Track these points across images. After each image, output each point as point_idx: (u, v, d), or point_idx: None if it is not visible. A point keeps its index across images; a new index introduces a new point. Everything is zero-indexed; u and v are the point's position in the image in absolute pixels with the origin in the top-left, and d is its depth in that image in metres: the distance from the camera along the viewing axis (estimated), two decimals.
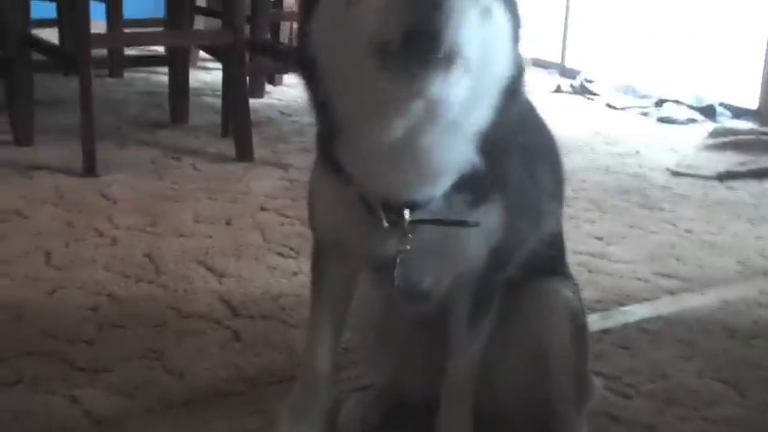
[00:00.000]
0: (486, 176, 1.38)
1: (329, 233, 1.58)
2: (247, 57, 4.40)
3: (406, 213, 1.40)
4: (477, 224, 1.43)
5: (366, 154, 1.35)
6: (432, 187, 1.38)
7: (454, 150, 1.33)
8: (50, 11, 5.31)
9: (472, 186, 1.40)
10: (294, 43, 1.37)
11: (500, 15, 1.31)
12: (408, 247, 1.42)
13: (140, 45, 4.42)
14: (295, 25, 5.86)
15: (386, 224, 1.41)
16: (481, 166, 1.36)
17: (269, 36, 5.07)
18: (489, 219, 1.46)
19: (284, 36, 5.44)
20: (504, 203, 1.48)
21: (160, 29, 5.15)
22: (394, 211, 1.40)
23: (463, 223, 1.42)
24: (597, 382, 1.92)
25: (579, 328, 1.75)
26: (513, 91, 1.35)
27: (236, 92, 3.88)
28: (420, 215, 1.40)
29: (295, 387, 1.73)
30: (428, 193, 1.38)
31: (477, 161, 1.35)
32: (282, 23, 5.40)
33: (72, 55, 3.68)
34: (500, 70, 1.32)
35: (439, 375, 1.70)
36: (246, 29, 4.60)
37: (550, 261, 1.76)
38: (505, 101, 1.34)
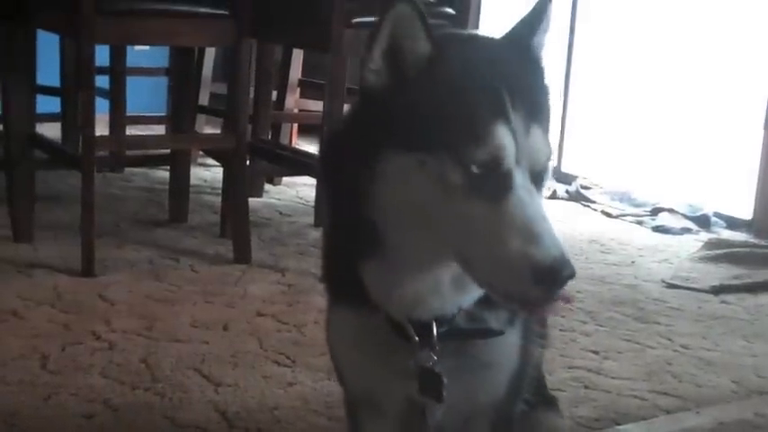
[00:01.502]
0: None
1: (358, 378, 1.55)
2: (248, 158, 4.46)
3: (434, 326, 1.39)
4: (502, 332, 1.43)
5: (405, 273, 1.35)
6: (459, 301, 1.39)
7: None
8: (54, 105, 5.36)
9: (492, 305, 1.41)
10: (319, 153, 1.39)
11: None
12: (436, 358, 1.40)
13: (144, 148, 4.47)
14: (295, 128, 5.95)
15: (416, 338, 1.39)
16: None
17: (269, 137, 5.12)
18: (512, 340, 1.46)
19: (284, 137, 5.49)
20: (522, 327, 1.49)
21: (162, 127, 5.22)
22: (421, 326, 1.40)
23: (490, 332, 1.43)
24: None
25: None
26: None
27: (237, 194, 3.92)
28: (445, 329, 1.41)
29: None
30: (454, 307, 1.40)
31: None
32: (284, 125, 5.46)
33: (76, 156, 3.72)
34: None
35: None
36: (247, 129, 4.67)
37: (538, 384, 1.76)
38: None
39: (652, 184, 5.73)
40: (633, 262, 4.36)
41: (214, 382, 2.65)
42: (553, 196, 5.74)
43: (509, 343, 1.47)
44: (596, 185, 5.82)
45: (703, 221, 5.15)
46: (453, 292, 1.38)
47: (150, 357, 2.79)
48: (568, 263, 1.21)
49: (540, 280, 1.20)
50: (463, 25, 4.10)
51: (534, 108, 1.26)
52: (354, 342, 1.48)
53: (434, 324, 1.39)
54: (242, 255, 3.81)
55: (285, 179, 5.34)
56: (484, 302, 1.41)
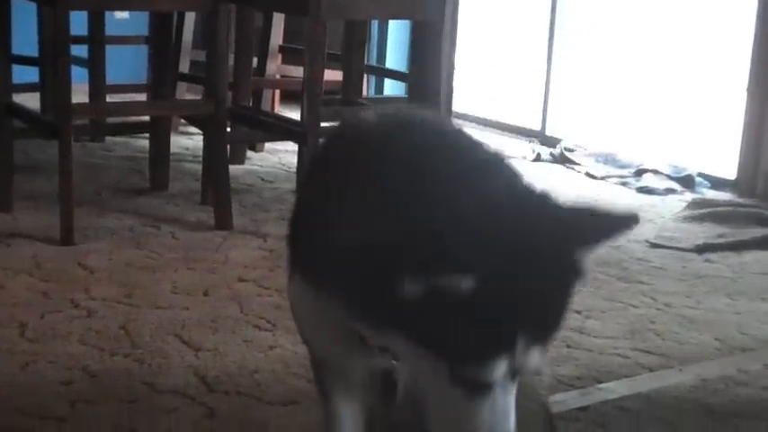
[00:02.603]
0: None
1: (321, 346, 1.54)
2: (229, 124, 4.42)
3: None
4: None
5: None
6: None
7: None
8: (33, 75, 5.31)
9: None
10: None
11: None
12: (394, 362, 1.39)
13: (123, 115, 4.42)
14: (278, 94, 5.90)
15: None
16: None
17: (251, 103, 5.08)
18: None
19: (266, 104, 5.45)
20: None
21: (143, 96, 5.18)
22: None
23: None
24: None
25: None
26: None
27: (217, 161, 3.89)
28: None
29: None
30: None
31: None
32: (265, 91, 5.42)
33: (54, 125, 3.68)
34: None
35: None
36: (228, 96, 4.63)
37: None
38: None
39: (636, 145, 5.72)
40: None
41: (194, 347, 2.63)
42: (537, 159, 5.72)
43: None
44: (580, 148, 5.80)
45: (687, 182, 5.14)
46: None
47: (130, 324, 2.77)
48: None
49: None
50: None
51: (547, 332, 1.23)
52: (315, 312, 1.44)
53: None
54: (223, 221, 3.79)
55: (267, 145, 5.30)
56: None
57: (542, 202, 1.26)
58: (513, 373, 1.23)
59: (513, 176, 1.30)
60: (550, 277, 1.21)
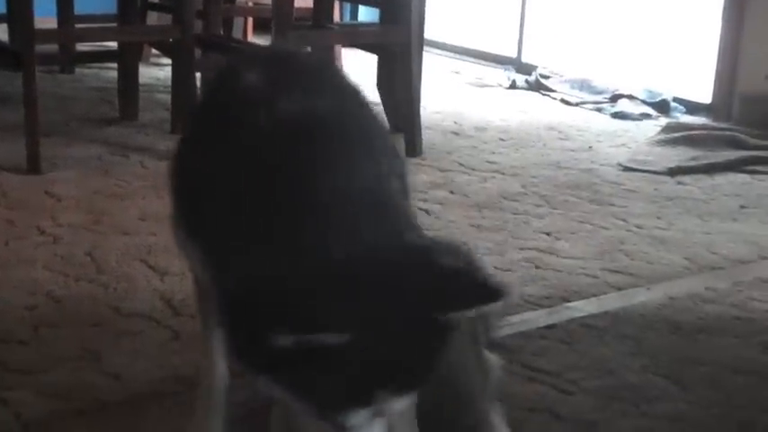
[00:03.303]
0: None
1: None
2: (199, 53, 4.36)
3: None
4: None
5: None
6: None
7: None
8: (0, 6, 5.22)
9: None
10: None
11: None
12: None
13: (86, 41, 4.36)
14: (250, 23, 5.82)
15: None
16: None
17: (221, 32, 5.01)
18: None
19: (237, 31, 5.38)
20: None
21: (111, 25, 5.09)
22: None
23: None
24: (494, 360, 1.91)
25: None
26: None
27: (186, 87, 3.84)
28: None
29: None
30: None
31: None
32: (236, 19, 5.35)
33: (17, 51, 3.62)
34: None
35: None
36: (198, 24, 4.56)
37: None
38: None
39: (611, 71, 5.69)
40: (590, 147, 4.34)
41: (160, 271, 2.61)
42: (513, 86, 5.69)
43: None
44: (556, 74, 5.77)
45: (663, 107, 5.13)
46: None
47: (96, 250, 2.75)
48: None
49: None
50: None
51: (411, 386, 1.24)
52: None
53: None
54: None
55: None
56: None
57: (417, 258, 1.25)
58: (380, 413, 1.23)
59: (393, 211, 1.33)
60: (414, 338, 1.20)
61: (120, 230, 2.92)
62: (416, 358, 1.23)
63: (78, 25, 5.00)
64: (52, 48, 4.90)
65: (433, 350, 1.24)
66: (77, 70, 5.29)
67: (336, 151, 1.36)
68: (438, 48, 6.64)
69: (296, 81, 1.45)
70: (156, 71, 5.40)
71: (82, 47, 5.22)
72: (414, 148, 3.96)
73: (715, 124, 4.75)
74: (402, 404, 1.25)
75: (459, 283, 1.21)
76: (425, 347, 1.23)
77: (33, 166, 3.44)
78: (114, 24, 4.64)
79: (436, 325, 1.21)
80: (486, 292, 1.20)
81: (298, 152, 1.33)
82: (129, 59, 4.31)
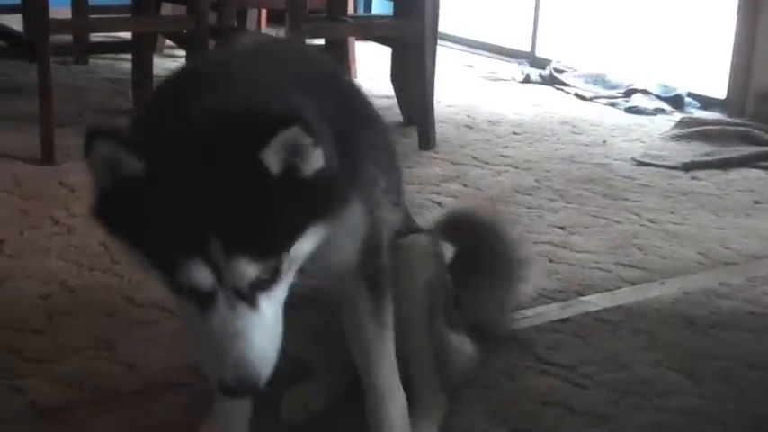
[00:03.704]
0: (340, 180, 1.38)
1: None
2: (212, 44, 4.36)
3: None
4: None
5: None
6: None
7: None
8: None
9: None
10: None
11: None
12: None
13: (100, 31, 4.36)
14: (264, 14, 5.82)
15: None
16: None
17: (235, 23, 5.02)
18: (353, 216, 1.48)
19: (251, 23, 5.38)
20: (362, 198, 1.50)
21: (126, 16, 5.10)
22: None
23: None
24: (470, 350, 1.92)
25: (433, 277, 1.79)
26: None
27: None
28: None
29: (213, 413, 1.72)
30: None
31: None
32: (249, 10, 5.35)
33: (32, 41, 3.63)
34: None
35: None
36: (212, 16, 4.57)
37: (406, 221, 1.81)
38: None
39: (626, 66, 5.67)
40: (605, 142, 4.33)
41: None
42: (526, 80, 5.68)
43: (353, 213, 1.48)
44: (570, 69, 5.75)
45: (677, 102, 5.11)
46: None
47: (109, 240, 2.74)
48: (246, 382, 1.26)
49: (223, 392, 1.30)
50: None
51: (239, 234, 1.24)
52: None
53: None
54: None
55: None
56: None
57: (242, 109, 1.29)
58: (243, 289, 1.26)
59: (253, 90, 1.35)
60: (228, 177, 1.23)
61: None
62: (234, 201, 1.23)
63: (92, 16, 5.02)
64: (66, 38, 4.92)
65: (252, 192, 1.24)
66: (91, 61, 5.30)
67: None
68: (452, 41, 6.62)
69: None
70: (170, 63, 5.40)
71: (96, 37, 5.24)
72: (427, 141, 3.96)
73: (729, 119, 4.73)
74: (243, 272, 1.24)
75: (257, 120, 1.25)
76: (241, 188, 1.24)
77: (47, 156, 3.45)
78: (128, 15, 4.65)
79: (249, 165, 1.23)
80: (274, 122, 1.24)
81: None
82: (143, 50, 4.31)
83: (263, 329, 1.28)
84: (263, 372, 1.28)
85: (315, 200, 1.31)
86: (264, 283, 1.28)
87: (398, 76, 4.36)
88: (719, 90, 5.15)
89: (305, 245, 1.32)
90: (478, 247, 2.17)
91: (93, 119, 4.15)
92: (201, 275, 1.24)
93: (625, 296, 2.57)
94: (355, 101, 1.60)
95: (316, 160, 1.29)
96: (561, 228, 3.09)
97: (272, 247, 1.27)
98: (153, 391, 1.94)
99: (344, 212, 1.41)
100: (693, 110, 5.06)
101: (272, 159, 1.24)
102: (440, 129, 4.14)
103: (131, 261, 1.33)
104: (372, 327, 1.62)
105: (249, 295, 1.27)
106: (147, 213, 1.24)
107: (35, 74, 3.54)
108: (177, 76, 1.50)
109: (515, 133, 4.41)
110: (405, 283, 1.72)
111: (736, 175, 3.86)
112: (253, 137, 1.23)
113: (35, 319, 2.22)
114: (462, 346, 1.91)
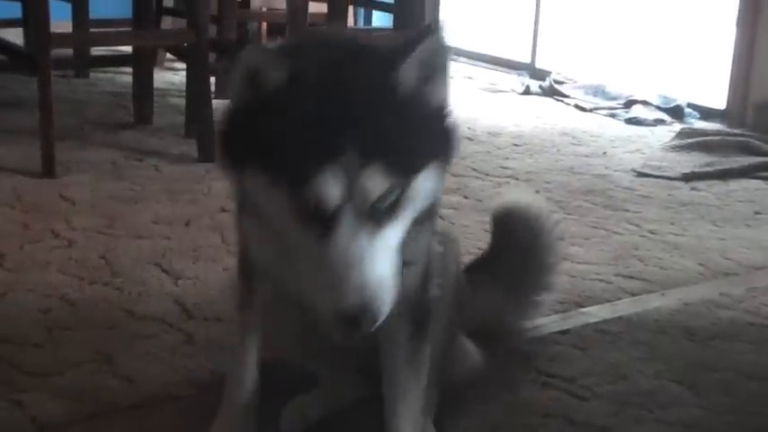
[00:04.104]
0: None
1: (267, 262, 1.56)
2: (213, 57, 4.37)
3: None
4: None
5: None
6: None
7: None
8: (16, 10, 5.24)
9: None
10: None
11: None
12: None
13: (101, 45, 4.37)
14: (264, 27, 5.83)
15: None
16: None
17: (235, 36, 5.03)
18: (422, 237, 1.49)
19: (252, 36, 5.39)
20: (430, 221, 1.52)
21: (126, 29, 5.11)
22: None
23: None
24: (475, 352, 1.94)
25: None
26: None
27: (200, 91, 3.85)
28: None
29: (221, 414, 1.74)
30: None
31: None
32: (250, 23, 5.36)
33: (32, 55, 3.64)
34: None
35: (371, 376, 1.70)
36: (213, 29, 4.58)
37: None
38: None
39: (626, 77, 5.68)
40: (605, 153, 4.33)
41: (174, 275, 2.62)
42: (526, 92, 5.69)
43: (421, 241, 1.50)
44: (570, 80, 5.76)
45: (677, 112, 5.11)
46: None
47: (110, 254, 2.76)
48: (369, 310, 1.23)
49: (342, 323, 1.25)
50: None
51: (375, 146, 1.25)
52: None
53: None
54: (206, 153, 3.76)
55: None
56: None
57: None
58: (367, 210, 1.24)
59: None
60: (367, 92, 1.27)
61: (133, 234, 2.93)
62: (369, 112, 1.26)
63: (93, 30, 5.03)
64: (67, 52, 4.94)
65: (388, 107, 1.27)
66: (92, 74, 5.31)
67: None
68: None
69: None
70: (171, 75, 5.42)
71: (96, 51, 5.25)
72: None
73: (729, 130, 4.73)
74: (372, 187, 1.24)
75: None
76: (377, 102, 1.27)
77: (48, 169, 3.46)
78: (129, 29, 4.66)
79: (390, 86, 1.27)
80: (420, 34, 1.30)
81: None
82: (143, 64, 4.33)
83: (386, 255, 1.26)
84: (385, 301, 1.24)
85: (438, 134, 1.35)
86: (389, 210, 1.27)
87: None
88: (719, 101, 5.16)
89: (425, 182, 1.31)
90: (515, 245, 2.19)
91: (94, 132, 4.16)
92: (333, 186, 1.22)
93: (625, 307, 2.57)
94: None
95: (443, 84, 1.34)
96: (561, 239, 3.08)
97: (401, 166, 1.26)
98: (152, 405, 1.93)
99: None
100: (693, 120, 5.07)
101: (410, 75, 1.28)
102: None
103: (251, 197, 1.33)
104: (408, 369, 1.60)
105: (373, 218, 1.25)
106: (284, 125, 1.25)
107: (36, 87, 3.54)
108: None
109: (515, 145, 4.41)
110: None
111: (736, 185, 3.87)
112: (392, 55, 1.28)
113: (35, 333, 2.22)
114: (467, 347, 1.91)
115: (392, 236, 1.28)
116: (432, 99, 1.33)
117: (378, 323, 1.25)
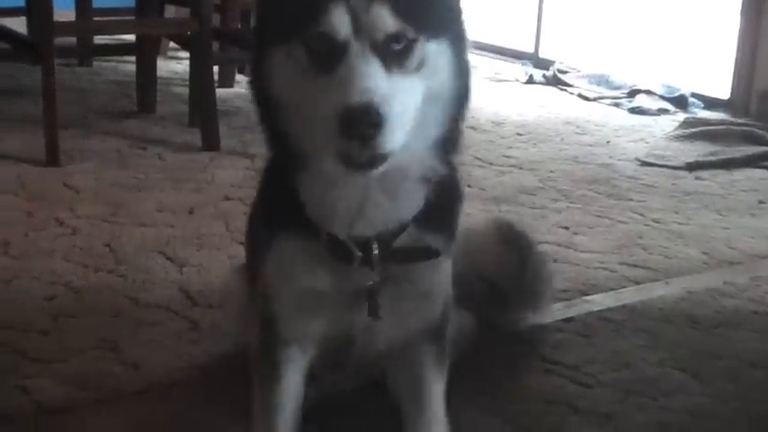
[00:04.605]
0: (445, 221, 1.49)
1: (295, 307, 1.52)
2: (216, 46, 4.37)
3: (374, 245, 1.42)
4: (439, 253, 1.47)
5: (333, 180, 1.38)
6: (397, 214, 1.42)
7: (410, 192, 1.41)
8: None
9: (434, 230, 1.47)
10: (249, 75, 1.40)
11: (441, 65, 1.34)
12: (378, 279, 1.44)
13: (104, 33, 4.37)
14: None
15: (359, 253, 1.42)
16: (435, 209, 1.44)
17: (239, 25, 5.02)
18: (447, 269, 1.54)
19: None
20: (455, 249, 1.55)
21: (130, 18, 5.11)
22: (362, 244, 1.42)
23: (427, 252, 1.46)
24: (470, 325, 1.96)
25: None
26: (453, 144, 1.43)
27: (203, 80, 3.85)
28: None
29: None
30: (394, 221, 1.42)
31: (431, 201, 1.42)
32: (253, 12, 5.34)
33: (36, 44, 3.64)
34: (438, 132, 1.39)
35: None
36: (216, 17, 4.57)
37: None
38: (447, 152, 1.42)
39: (629, 66, 5.67)
40: (608, 142, 4.32)
41: (178, 263, 2.62)
42: (530, 81, 5.68)
43: (444, 272, 1.53)
44: (573, 69, 5.75)
45: (681, 102, 5.10)
46: (388, 202, 1.40)
47: (114, 241, 2.76)
48: (369, 109, 1.21)
49: (344, 127, 1.22)
50: None
51: None
52: (296, 268, 1.48)
53: (375, 242, 1.42)
54: (210, 141, 3.76)
55: None
56: (425, 224, 1.45)
57: None
58: (377, 44, 1.25)
59: None
60: None
61: (137, 222, 2.93)
62: None
63: (96, 18, 5.02)
64: (70, 41, 4.93)
65: None
66: (95, 63, 5.31)
67: None
68: None
69: None
70: (174, 64, 5.42)
71: (100, 40, 5.25)
72: None
73: (733, 119, 4.72)
74: (381, 21, 1.25)
75: None
76: None
77: (52, 158, 3.46)
78: (132, 17, 4.67)
79: None
80: None
81: None
82: (147, 52, 4.33)
83: (391, 90, 1.25)
84: (387, 115, 1.22)
85: (455, 16, 1.37)
86: (398, 55, 1.27)
87: None
88: (723, 90, 5.15)
89: (438, 56, 1.32)
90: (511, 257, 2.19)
91: (97, 121, 4.16)
92: (341, 17, 1.25)
93: (629, 296, 2.57)
94: None
95: None
96: (565, 228, 3.09)
97: (412, 16, 1.28)
98: (156, 392, 1.94)
99: (439, 266, 1.48)
100: (697, 110, 5.06)
101: None
102: None
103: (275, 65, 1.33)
104: (435, 385, 1.62)
105: (382, 54, 1.26)
106: None
107: (39, 76, 3.55)
108: None
109: (519, 134, 4.41)
110: None
111: (740, 175, 3.86)
112: None
113: (40, 320, 2.23)
114: (462, 320, 1.91)
115: (401, 82, 1.28)
116: None
117: (383, 139, 1.23)
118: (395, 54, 1.27)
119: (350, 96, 1.21)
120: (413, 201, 1.42)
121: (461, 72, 1.37)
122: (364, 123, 1.21)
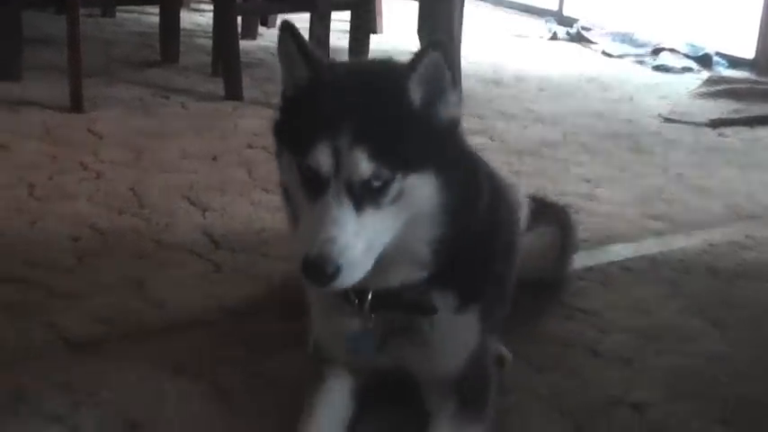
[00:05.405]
0: (463, 286, 1.59)
1: (322, 332, 1.70)
2: None
3: (369, 295, 1.56)
4: (434, 311, 1.58)
5: None
6: (398, 276, 1.54)
7: (406, 264, 1.54)
8: None
9: (447, 288, 1.58)
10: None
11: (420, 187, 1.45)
12: (371, 325, 1.59)
13: None
14: None
15: (355, 299, 1.57)
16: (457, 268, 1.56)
17: None
18: (468, 327, 1.63)
19: None
20: (480, 315, 1.63)
21: None
22: (358, 295, 1.57)
23: (421, 308, 1.58)
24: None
25: None
26: (458, 212, 1.51)
27: (226, 30, 3.85)
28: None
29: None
30: (395, 280, 1.55)
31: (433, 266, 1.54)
32: None
33: None
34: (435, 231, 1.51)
35: None
36: None
37: None
38: (453, 219, 1.51)
39: (654, 24, 5.63)
40: (632, 98, 4.31)
41: (201, 207, 2.64)
42: (554, 38, 5.66)
43: (461, 328, 1.61)
44: (597, 27, 5.72)
45: (705, 61, 5.08)
46: (389, 266, 1.51)
47: (138, 186, 2.78)
48: (329, 263, 1.37)
49: (303, 270, 1.39)
50: None
51: (366, 134, 1.40)
52: (319, 305, 1.68)
53: (370, 293, 1.56)
54: (233, 91, 3.77)
55: (279, 22, 5.23)
56: (437, 284, 1.57)
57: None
58: (353, 185, 1.39)
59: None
60: (374, 95, 1.45)
61: (161, 168, 2.95)
62: (370, 112, 1.43)
63: None
64: None
65: (388, 113, 1.43)
66: (118, 14, 5.31)
67: None
68: (480, 0, 6.60)
69: None
70: (197, 17, 5.42)
71: None
72: None
73: (757, 78, 4.71)
74: (359, 166, 1.38)
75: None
76: (382, 108, 1.44)
77: (76, 104, 3.48)
78: None
79: (397, 94, 1.44)
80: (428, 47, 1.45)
81: None
82: (170, 4, 4.32)
83: (358, 231, 1.40)
84: (342, 264, 1.38)
85: (443, 147, 1.48)
86: (374, 194, 1.41)
87: (425, 29, 4.33)
88: (748, 50, 5.12)
89: (421, 187, 1.44)
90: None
91: (121, 70, 4.17)
92: (324, 157, 1.39)
93: (650, 246, 2.58)
94: None
95: (452, 104, 1.48)
96: (587, 180, 3.09)
97: (390, 158, 1.41)
98: (180, 329, 1.96)
99: (449, 322, 1.58)
100: (721, 69, 5.04)
101: (416, 90, 1.44)
102: (466, 84, 4.13)
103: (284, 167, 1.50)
104: None
105: (357, 195, 1.40)
106: (301, 112, 1.47)
107: (64, 25, 3.55)
108: None
109: (542, 89, 4.40)
110: None
111: (762, 132, 3.85)
112: (401, 69, 1.46)
113: (66, 259, 2.25)
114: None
115: (374, 221, 1.42)
116: (438, 113, 1.47)
117: (339, 281, 1.38)
118: (371, 192, 1.41)
119: (312, 247, 1.37)
120: (412, 268, 1.54)
121: (450, 193, 1.47)
122: (318, 275, 1.38)
